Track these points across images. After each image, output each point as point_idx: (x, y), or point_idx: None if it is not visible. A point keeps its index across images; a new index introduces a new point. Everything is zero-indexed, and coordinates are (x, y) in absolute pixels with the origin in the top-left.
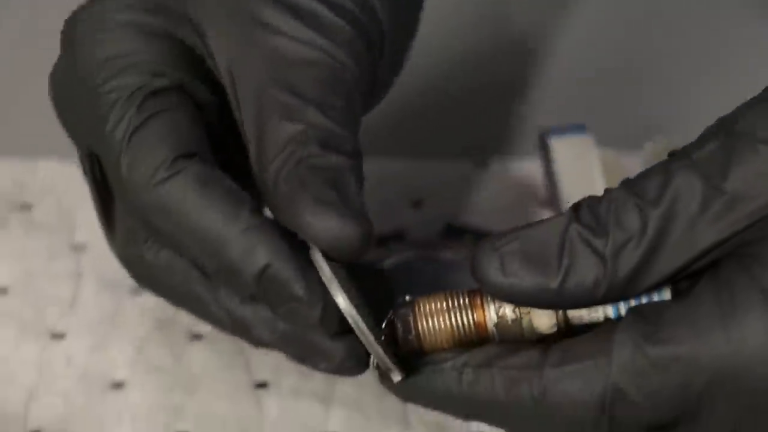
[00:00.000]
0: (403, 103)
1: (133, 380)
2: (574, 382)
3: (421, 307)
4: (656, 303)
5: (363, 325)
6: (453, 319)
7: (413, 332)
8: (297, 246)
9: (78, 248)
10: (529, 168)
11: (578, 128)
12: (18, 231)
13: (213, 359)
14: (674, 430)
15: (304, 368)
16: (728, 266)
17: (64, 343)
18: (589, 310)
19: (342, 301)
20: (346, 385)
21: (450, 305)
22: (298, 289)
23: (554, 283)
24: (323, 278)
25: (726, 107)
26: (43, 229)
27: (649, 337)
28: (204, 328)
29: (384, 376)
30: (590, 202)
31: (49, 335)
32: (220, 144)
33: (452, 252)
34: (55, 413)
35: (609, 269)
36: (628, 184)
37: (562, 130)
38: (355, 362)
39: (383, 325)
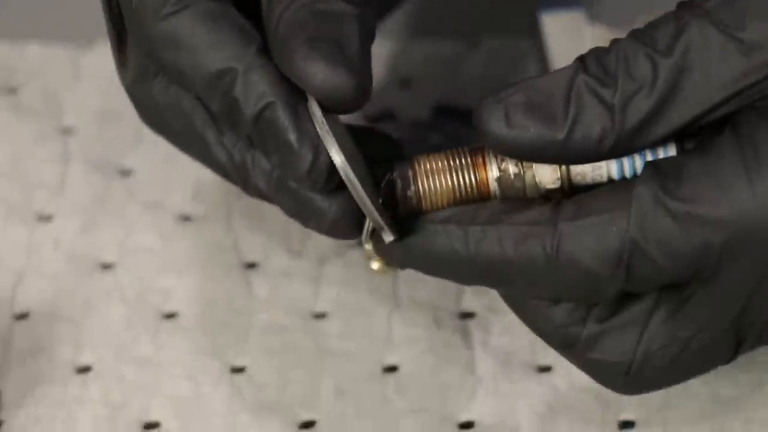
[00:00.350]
0: None
1: (121, 262)
2: (590, 237)
3: (422, 165)
4: (675, 158)
5: (355, 179)
6: (454, 178)
7: (412, 188)
8: (300, 93)
9: (66, 131)
10: (522, 46)
11: (570, 4)
12: (4, 115)
13: (202, 240)
14: (690, 286)
15: (293, 248)
16: (749, 120)
17: (52, 225)
18: (592, 168)
19: (334, 152)
20: (336, 266)
21: (451, 164)
22: (290, 135)
23: (560, 134)
24: (317, 128)
25: None
26: (30, 112)
27: (669, 192)
28: (193, 209)
29: (378, 241)
30: (597, 52)
31: (36, 218)
32: None
33: (442, 134)
34: (43, 296)
35: (617, 120)
36: (637, 34)
37: (555, 6)
38: (348, 222)
39: (382, 184)
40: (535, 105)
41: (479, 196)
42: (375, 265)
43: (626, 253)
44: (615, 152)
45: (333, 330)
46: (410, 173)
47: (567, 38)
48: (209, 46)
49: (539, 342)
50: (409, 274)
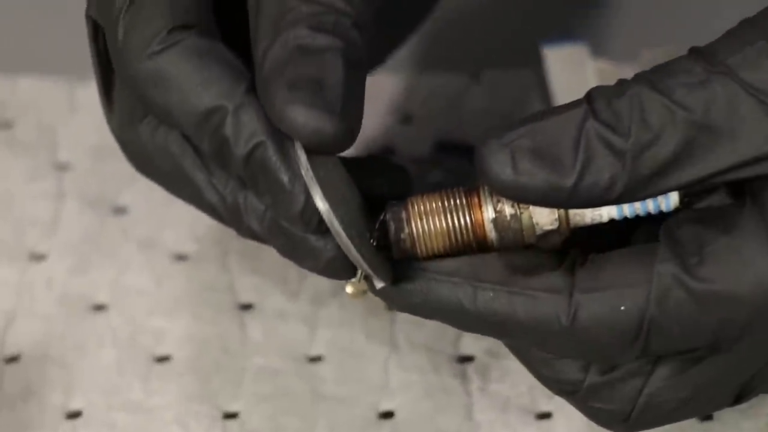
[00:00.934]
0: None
1: (114, 303)
2: (608, 311)
3: (415, 206)
4: (695, 230)
5: (339, 227)
6: (449, 219)
7: (406, 231)
8: None
9: (61, 167)
10: (524, 80)
11: (573, 38)
12: None
13: (196, 281)
14: (707, 356)
15: (290, 289)
16: None
17: (45, 264)
18: (591, 209)
19: (318, 198)
20: (332, 307)
21: (446, 204)
22: (282, 175)
23: (569, 182)
24: (302, 173)
25: (728, 16)
26: (24, 147)
27: (690, 271)
28: (188, 247)
29: (372, 284)
30: (608, 96)
31: (29, 257)
32: (228, 16)
33: (443, 169)
34: (34, 338)
35: (628, 169)
36: (651, 81)
37: (557, 40)
38: (344, 262)
39: (375, 226)
40: (543, 151)
41: (475, 238)
42: (349, 288)
43: (644, 330)
44: (622, 200)
45: (328, 374)
46: (404, 215)
47: (570, 72)
48: (198, 85)
49: (539, 388)
50: (406, 317)
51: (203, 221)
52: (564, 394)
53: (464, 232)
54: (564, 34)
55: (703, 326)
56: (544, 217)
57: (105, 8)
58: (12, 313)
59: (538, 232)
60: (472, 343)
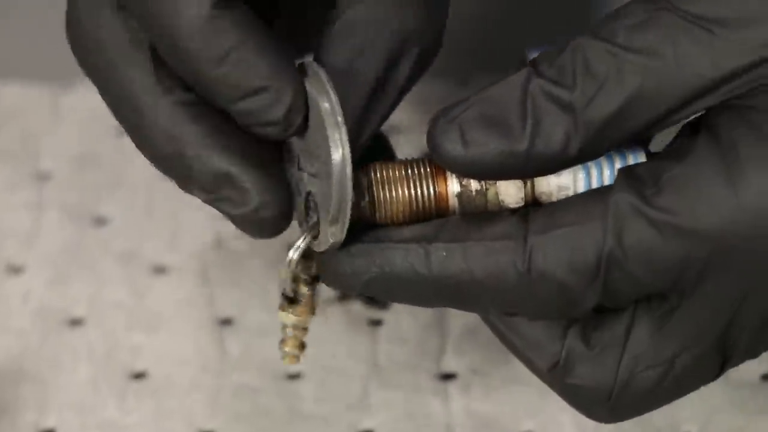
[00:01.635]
0: None
1: (91, 317)
2: (564, 250)
3: (377, 173)
4: (651, 163)
5: (349, 164)
6: (412, 188)
7: (366, 198)
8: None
9: (42, 177)
10: None
11: (559, 43)
12: None
13: (176, 294)
14: (670, 300)
15: (270, 303)
16: (727, 120)
17: (22, 277)
18: (558, 188)
19: (341, 131)
20: (313, 323)
21: (409, 173)
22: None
23: (521, 146)
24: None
25: None
26: (6, 156)
27: (648, 201)
28: (168, 259)
29: (319, 256)
30: (550, 54)
31: (6, 269)
32: None
33: None
34: (9, 353)
35: (580, 121)
36: (593, 30)
37: (544, 45)
38: (278, 212)
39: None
40: (491, 118)
41: (437, 210)
42: (294, 253)
43: (603, 266)
44: (582, 157)
45: (307, 392)
46: (365, 180)
47: None
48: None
49: (522, 407)
50: (389, 333)
51: (184, 232)
52: (543, 373)
53: (427, 202)
54: (550, 39)
55: (665, 261)
56: (510, 195)
57: None
58: None
59: (504, 209)
60: (454, 360)
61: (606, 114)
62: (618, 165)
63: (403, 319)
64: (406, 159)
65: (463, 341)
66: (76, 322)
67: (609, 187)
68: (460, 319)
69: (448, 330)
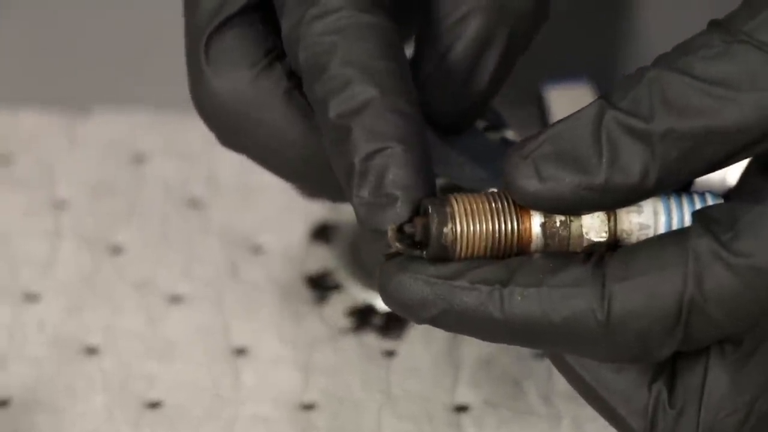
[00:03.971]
0: None
1: (106, 346)
2: (644, 297)
3: (460, 204)
4: (726, 206)
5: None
6: (495, 222)
7: (449, 227)
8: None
9: (58, 205)
10: (526, 119)
11: (576, 78)
12: None
13: (191, 323)
14: (746, 344)
15: (285, 333)
16: None
17: (38, 305)
18: (639, 223)
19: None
20: (326, 353)
21: (492, 206)
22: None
23: (598, 179)
24: None
25: None
26: (23, 183)
27: (727, 246)
28: (184, 288)
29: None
30: (623, 85)
31: (23, 297)
32: None
33: None
34: (24, 381)
35: (658, 152)
36: (667, 61)
37: (560, 80)
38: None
39: (419, 213)
40: (566, 153)
41: (519, 245)
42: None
43: (684, 313)
44: (660, 188)
45: (321, 423)
46: (448, 210)
47: (572, 111)
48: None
49: None
50: (402, 364)
51: (200, 260)
52: (625, 423)
53: (509, 236)
54: (566, 73)
55: (746, 304)
56: (594, 229)
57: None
58: (3, 355)
59: (585, 243)
60: (468, 391)
61: (685, 145)
62: (698, 205)
63: (417, 350)
64: (484, 192)
65: (476, 373)
66: (91, 351)
67: (686, 231)
68: (474, 351)
69: (462, 361)
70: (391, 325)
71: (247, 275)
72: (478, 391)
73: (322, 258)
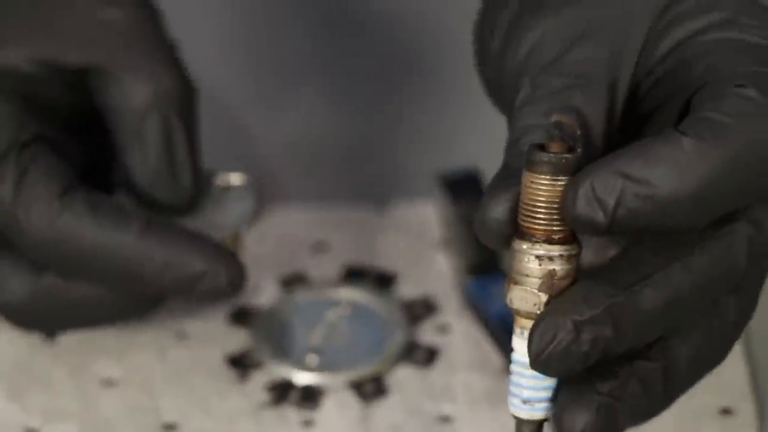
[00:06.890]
0: (304, 150)
1: (45, 428)
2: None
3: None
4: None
5: None
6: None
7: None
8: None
9: None
10: (425, 210)
11: (471, 171)
12: None
13: (124, 404)
14: None
15: (212, 410)
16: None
17: None
18: None
19: None
20: (249, 426)
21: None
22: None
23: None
24: None
25: None
26: None
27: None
28: (116, 372)
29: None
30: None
31: None
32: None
33: (353, 295)
34: None
35: None
36: None
37: (456, 172)
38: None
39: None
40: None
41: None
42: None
43: None
44: None
45: None
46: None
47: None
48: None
49: None
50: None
51: (132, 346)
52: None
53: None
54: (463, 165)
55: None
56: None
57: None
58: None
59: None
60: None
61: None
62: None
63: (332, 418)
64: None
65: None
66: None
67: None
68: (385, 417)
69: (375, 427)
70: (308, 397)
71: (174, 358)
72: None
73: (243, 339)
